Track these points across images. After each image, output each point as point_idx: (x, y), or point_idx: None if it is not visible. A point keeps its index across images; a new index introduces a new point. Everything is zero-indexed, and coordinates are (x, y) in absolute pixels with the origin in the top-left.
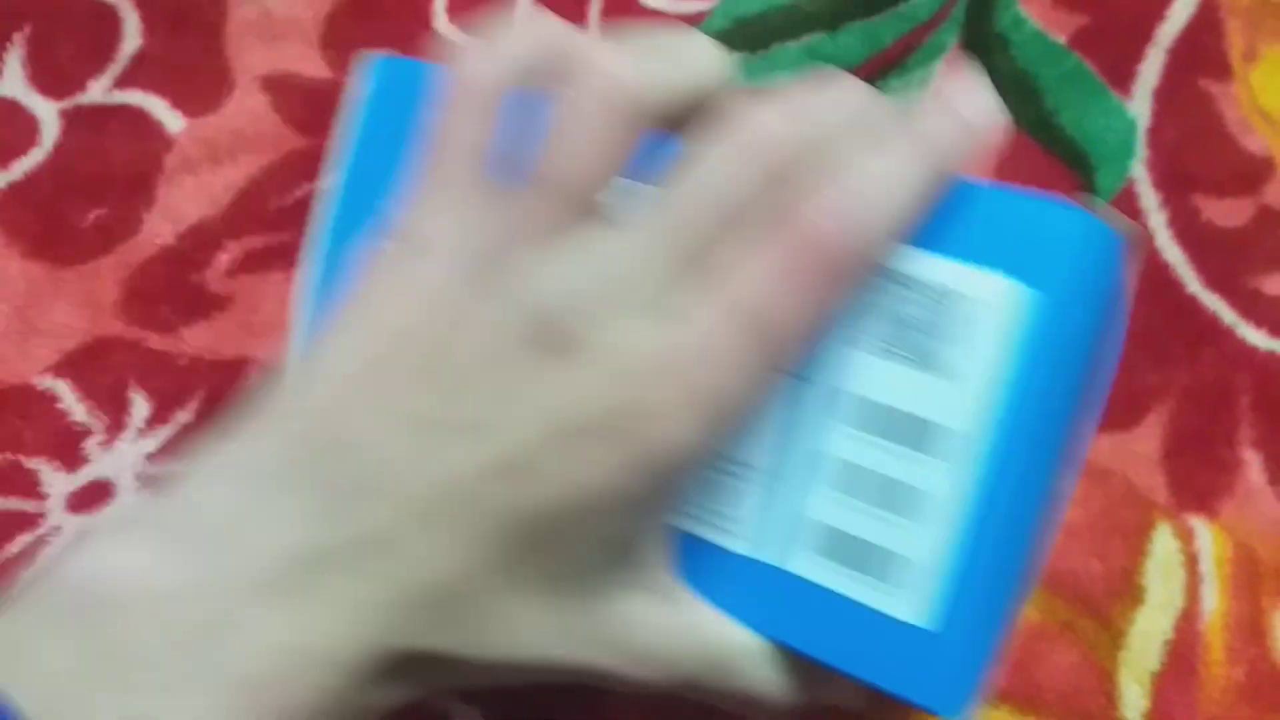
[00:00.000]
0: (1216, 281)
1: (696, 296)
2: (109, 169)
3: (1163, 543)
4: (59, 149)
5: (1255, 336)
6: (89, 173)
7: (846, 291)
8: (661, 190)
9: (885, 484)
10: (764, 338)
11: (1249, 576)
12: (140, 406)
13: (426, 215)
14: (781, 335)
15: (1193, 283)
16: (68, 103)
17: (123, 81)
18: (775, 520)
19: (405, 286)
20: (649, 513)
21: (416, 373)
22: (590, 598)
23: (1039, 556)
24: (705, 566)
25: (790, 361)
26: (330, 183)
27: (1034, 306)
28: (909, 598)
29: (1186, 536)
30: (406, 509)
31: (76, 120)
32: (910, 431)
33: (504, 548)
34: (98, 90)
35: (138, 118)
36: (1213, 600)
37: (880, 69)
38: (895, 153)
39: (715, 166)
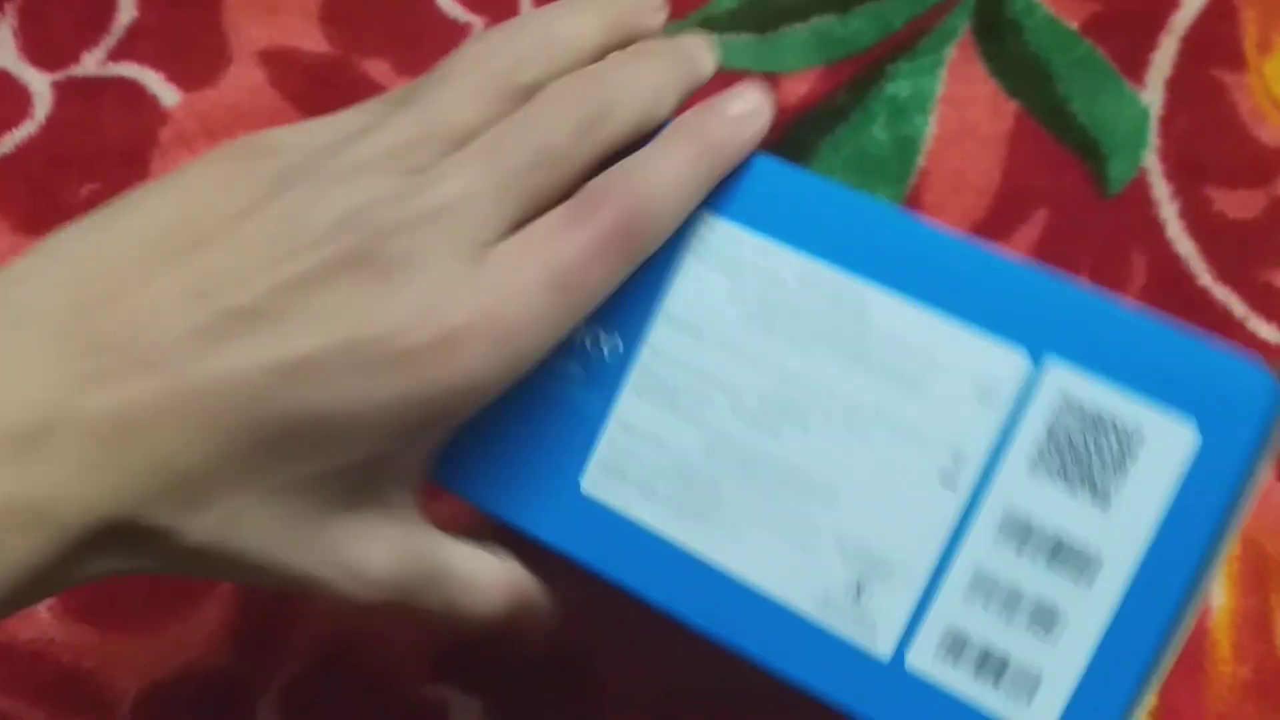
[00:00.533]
0: (1228, 274)
1: (516, 248)
2: (102, 143)
3: None
4: (51, 121)
5: (1266, 330)
6: (82, 146)
7: (632, 261)
8: (495, 138)
9: (1027, 600)
10: (566, 294)
11: (1257, 573)
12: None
13: (323, 126)
14: (580, 294)
15: (1204, 275)
16: (60, 75)
17: (117, 54)
18: (915, 625)
19: (241, 172)
20: (419, 439)
21: (221, 253)
22: (329, 510)
23: (1160, 675)
24: (844, 665)
25: (581, 315)
26: None
27: (1198, 448)
28: (1033, 711)
29: None
30: (172, 396)
31: (69, 92)
32: (1060, 553)
33: (261, 447)
34: (91, 62)
35: (132, 91)
36: (1220, 597)
37: (890, 52)
38: (679, 155)
39: (546, 124)
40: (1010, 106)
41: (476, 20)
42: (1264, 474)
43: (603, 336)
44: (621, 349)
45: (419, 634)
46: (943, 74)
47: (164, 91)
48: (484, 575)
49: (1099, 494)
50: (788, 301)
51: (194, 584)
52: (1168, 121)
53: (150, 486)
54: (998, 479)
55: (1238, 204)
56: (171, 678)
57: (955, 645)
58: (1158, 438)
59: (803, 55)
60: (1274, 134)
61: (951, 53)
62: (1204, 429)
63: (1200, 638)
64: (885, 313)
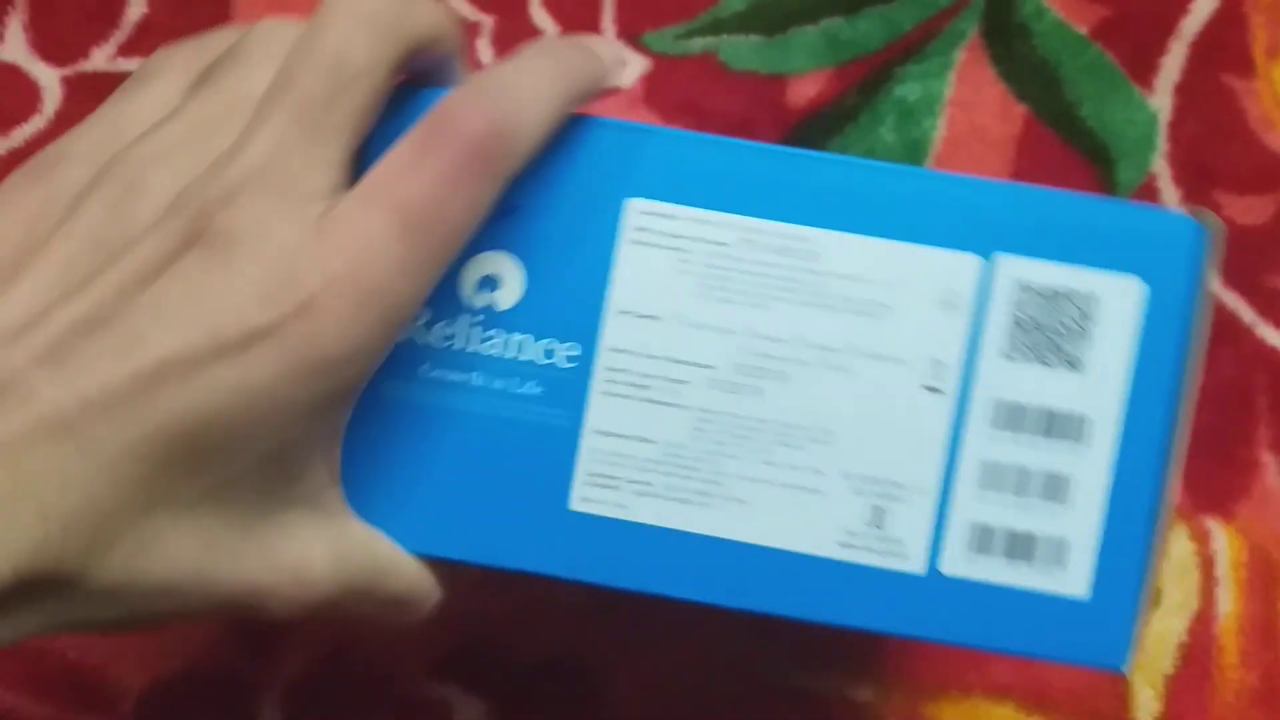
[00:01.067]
0: (1235, 280)
1: (359, 198)
2: None
3: (1179, 544)
4: (60, 117)
5: (1275, 337)
6: None
7: (495, 185)
8: (285, 73)
9: (1035, 477)
10: (425, 236)
11: (1265, 580)
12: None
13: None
14: (442, 232)
15: (1212, 282)
16: (70, 70)
17: (127, 49)
18: (940, 533)
19: (37, 193)
20: (316, 421)
21: (47, 274)
22: (252, 516)
23: (1168, 514)
24: (882, 593)
25: (451, 255)
26: None
27: (1147, 297)
28: (1068, 575)
29: (1202, 539)
30: (38, 428)
31: (79, 88)
32: (1053, 424)
33: (152, 464)
34: (101, 58)
35: None
36: (1228, 603)
37: (899, 55)
38: (534, 69)
39: (332, 37)
40: (1019, 110)
41: (487, 20)
42: (1209, 307)
43: (556, 347)
44: (579, 354)
45: (422, 632)
46: (951, 77)
47: None
48: (419, 574)
49: (1072, 362)
50: (736, 264)
51: None
52: (1176, 127)
53: (41, 532)
54: (979, 375)
55: (1246, 210)
56: (175, 675)
57: (982, 539)
58: (1110, 297)
59: (811, 57)
60: None
61: (960, 55)
62: (1148, 279)
63: (1207, 644)
64: (834, 252)
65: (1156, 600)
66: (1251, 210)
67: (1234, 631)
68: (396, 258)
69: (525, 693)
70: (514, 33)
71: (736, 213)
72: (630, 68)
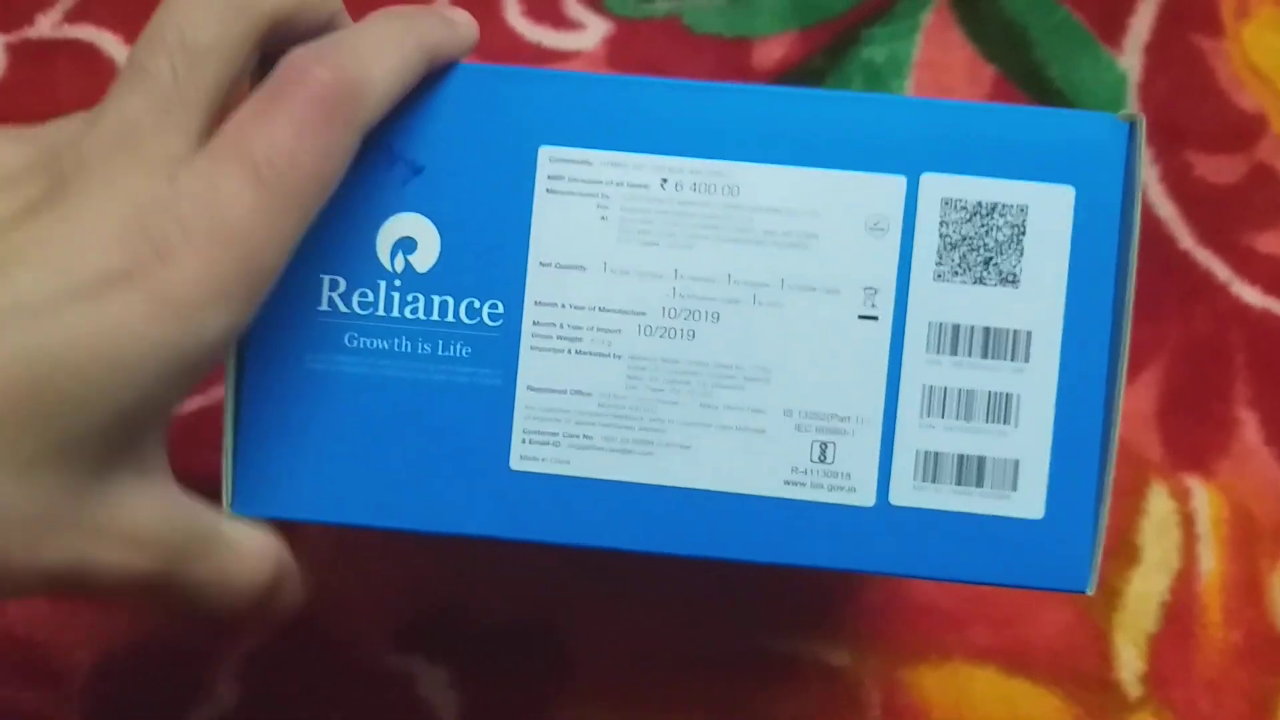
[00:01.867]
0: (1209, 238)
1: (209, 152)
2: (58, 106)
3: (1158, 502)
4: (5, 84)
5: (1250, 294)
6: (37, 109)
7: (346, 133)
8: (138, 55)
9: (980, 398)
10: (279, 184)
11: (1246, 537)
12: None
13: None
14: (296, 180)
15: (1185, 239)
16: (14, 36)
17: (73, 16)
18: (887, 463)
19: None
20: (175, 376)
21: None
22: (88, 479)
23: (1116, 424)
24: (833, 528)
25: (309, 203)
26: None
27: (1075, 201)
28: (1021, 497)
29: (1182, 496)
30: None
31: (24, 55)
32: (992, 341)
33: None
34: (46, 25)
35: (89, 53)
36: (1210, 561)
37: (866, 17)
38: (381, 27)
39: (181, 21)
40: (988, 71)
41: None
42: (1138, 208)
43: (479, 305)
44: (504, 311)
45: (382, 603)
46: (919, 39)
47: (121, 54)
48: (250, 540)
49: (1007, 277)
50: (656, 206)
51: None
52: (1146, 87)
53: None
54: (913, 297)
55: (1218, 169)
56: (127, 649)
57: (931, 465)
58: (1041, 207)
59: (776, 19)
60: (1253, 100)
61: (928, 18)
62: (1078, 184)
63: (1190, 602)
64: (755, 185)
65: (1138, 559)
66: (1223, 169)
67: (1217, 589)
68: (249, 205)
69: (490, 660)
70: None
71: (651, 153)
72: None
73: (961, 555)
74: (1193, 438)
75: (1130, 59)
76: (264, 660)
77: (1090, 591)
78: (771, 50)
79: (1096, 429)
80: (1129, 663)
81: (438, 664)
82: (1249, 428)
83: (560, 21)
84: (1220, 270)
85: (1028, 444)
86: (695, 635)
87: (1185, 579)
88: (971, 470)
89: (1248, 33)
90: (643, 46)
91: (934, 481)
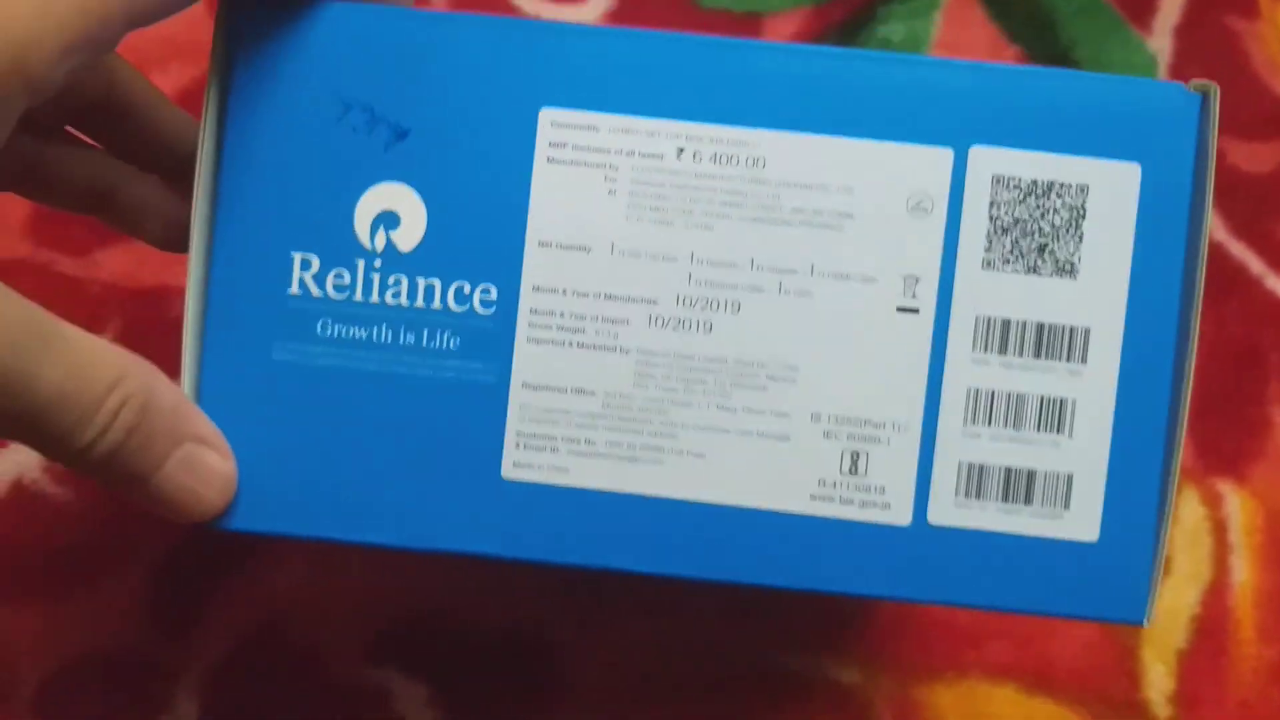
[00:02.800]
0: (1243, 229)
1: None
2: None
3: (1189, 509)
4: None
5: None
6: None
7: None
8: None
9: (1031, 404)
10: None
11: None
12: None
13: None
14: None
15: (1218, 230)
16: None
17: None
18: (926, 476)
19: None
20: None
21: None
22: None
23: (1181, 434)
24: (864, 550)
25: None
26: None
27: (1142, 182)
28: (1074, 516)
29: (1214, 502)
30: None
31: None
32: (1046, 339)
33: None
34: None
35: None
36: (1242, 572)
37: None
38: None
39: None
40: (1011, 52)
41: None
42: (1211, 190)
43: (469, 290)
44: (497, 298)
45: (353, 608)
46: (938, 17)
47: None
48: (101, 349)
49: (1062, 264)
50: (672, 179)
51: (98, 554)
52: (1176, 71)
53: None
54: (958, 288)
55: (1252, 157)
56: (79, 659)
57: (975, 480)
58: (1103, 187)
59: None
60: None
61: None
62: (1142, 159)
63: (1222, 616)
64: (783, 156)
65: (1168, 570)
66: (1257, 157)
67: (1250, 602)
68: None
69: (474, 675)
70: None
71: (666, 118)
72: None
73: (1005, 582)
74: (1225, 441)
75: (1160, 41)
76: (226, 673)
77: (1147, 624)
78: (783, 26)
79: (1159, 440)
80: (1157, 681)
81: (415, 678)
82: None
83: None
84: (1254, 263)
85: (1083, 457)
86: (697, 650)
87: (1217, 591)
88: (1020, 486)
89: None
90: (647, 20)
91: (978, 498)
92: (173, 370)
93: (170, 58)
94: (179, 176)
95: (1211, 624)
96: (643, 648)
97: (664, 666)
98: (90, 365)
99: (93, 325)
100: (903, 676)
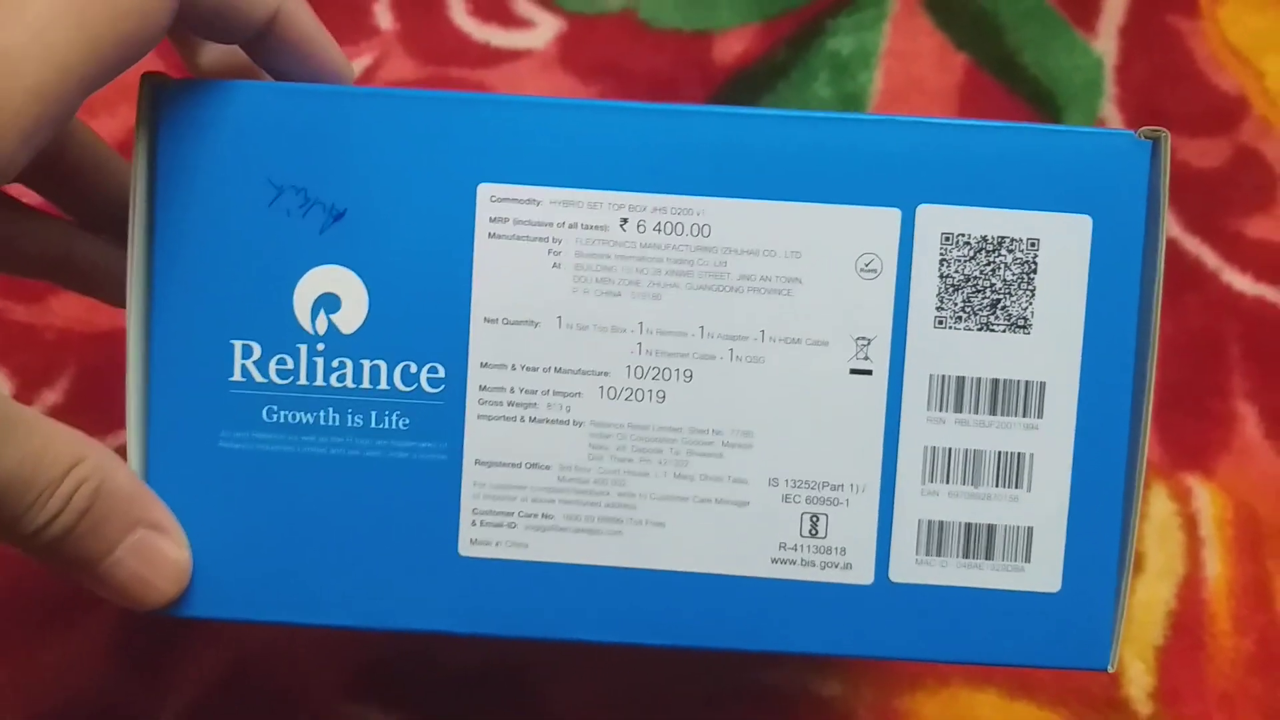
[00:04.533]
0: (1197, 224)
1: None
2: None
3: (1158, 504)
4: None
5: (1241, 282)
6: None
7: None
8: None
9: (988, 459)
10: None
11: (1251, 538)
12: (1, 385)
13: None
14: None
15: (1172, 226)
16: None
17: None
18: (886, 536)
19: None
20: None
21: None
22: None
23: (1140, 481)
24: (827, 611)
25: None
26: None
27: (1094, 235)
28: (1036, 568)
29: (1183, 497)
30: None
31: None
32: (1001, 395)
33: None
34: None
35: None
36: (1215, 565)
37: (830, 6)
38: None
39: None
40: (958, 59)
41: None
42: (1163, 238)
43: (416, 370)
44: (445, 376)
45: (333, 645)
46: (886, 28)
47: None
48: (59, 433)
49: (1015, 320)
50: (617, 250)
51: (67, 604)
52: (1123, 71)
53: None
54: (910, 347)
55: (1201, 152)
56: (54, 710)
57: (935, 537)
58: (1053, 239)
59: (737, 12)
60: (1233, 81)
61: (894, 6)
62: (1093, 210)
63: (1197, 610)
64: (728, 223)
65: (1140, 566)
66: (1207, 153)
67: (1224, 595)
68: None
69: (454, 708)
70: None
71: (608, 189)
72: None
73: (969, 635)
74: (1190, 436)
75: (1106, 43)
76: (201, 715)
77: (1112, 669)
78: (732, 44)
79: (1118, 489)
80: (1137, 678)
81: (395, 712)
82: (1248, 422)
83: (509, 20)
84: (1209, 258)
85: (1043, 509)
86: (677, 673)
87: (1191, 585)
88: (980, 541)
89: (1224, 12)
90: (598, 44)
91: (939, 555)
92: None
93: (118, 101)
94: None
95: (1187, 618)
96: (621, 673)
97: (643, 691)
98: (47, 450)
99: (48, 372)
100: (884, 687)
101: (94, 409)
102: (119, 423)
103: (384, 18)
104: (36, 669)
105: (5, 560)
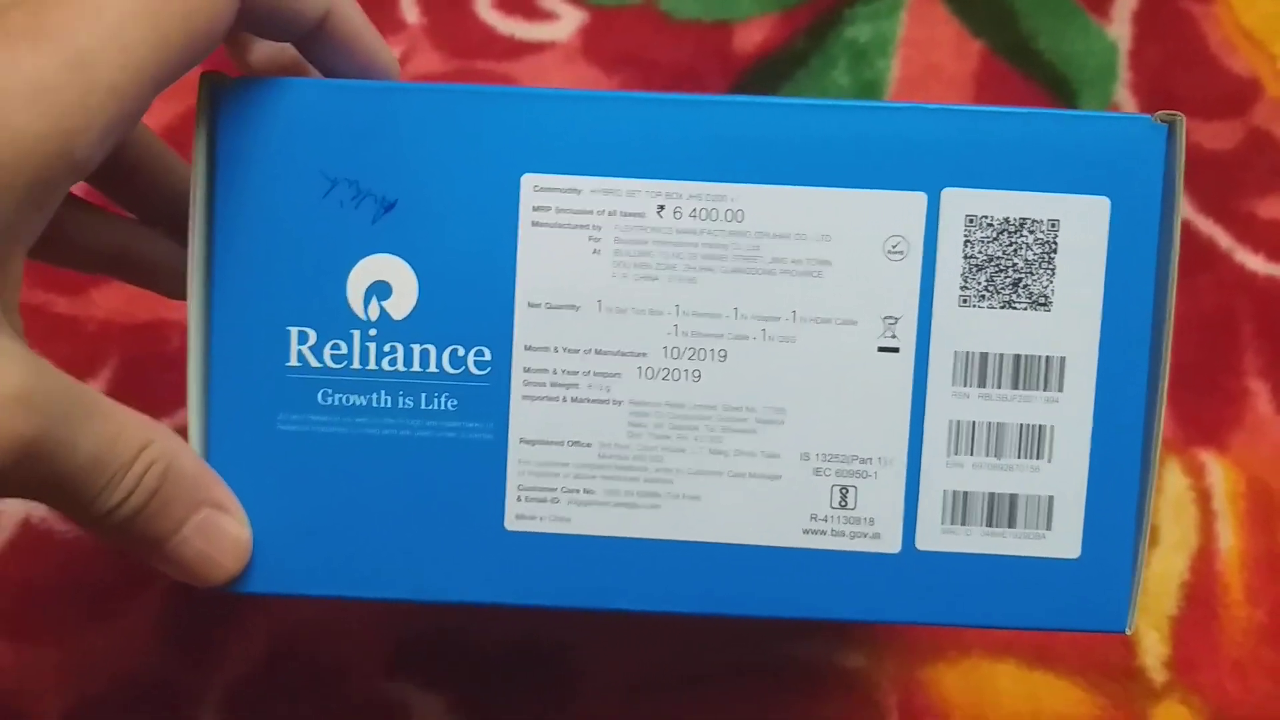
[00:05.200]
0: (1210, 206)
1: None
2: None
3: (1172, 479)
4: None
5: (1254, 262)
6: None
7: (34, 208)
8: None
9: (1011, 432)
10: None
11: (1264, 511)
12: None
13: None
14: None
15: (1186, 207)
16: None
17: None
18: (913, 506)
19: None
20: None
21: None
22: None
23: (1156, 451)
24: (857, 578)
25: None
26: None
27: (1112, 214)
28: (1056, 536)
29: (1197, 472)
30: None
31: None
32: (1023, 370)
33: None
34: None
35: None
36: (1229, 538)
37: None
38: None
39: None
40: (974, 46)
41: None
42: (1179, 218)
43: (464, 353)
44: (491, 359)
45: (372, 626)
46: (903, 16)
47: None
48: (130, 417)
49: (1036, 298)
50: (655, 236)
51: (114, 586)
52: (1137, 55)
53: None
54: (936, 325)
55: (1214, 135)
56: (101, 691)
57: (959, 507)
58: (1071, 219)
59: (756, 2)
60: (1245, 64)
61: None
62: (1110, 192)
63: (1211, 582)
64: (761, 208)
65: (1155, 539)
66: (1220, 135)
67: (1237, 567)
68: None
69: (492, 685)
70: None
71: (646, 177)
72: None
73: (993, 601)
74: (1204, 411)
75: (1119, 28)
76: (247, 692)
77: (1129, 632)
78: (752, 34)
79: (1135, 459)
80: (1152, 648)
81: (433, 691)
82: (1261, 399)
83: (532, 12)
84: (1222, 239)
85: (1062, 479)
86: (706, 648)
87: (1205, 557)
88: (1003, 510)
89: None
90: (619, 35)
91: (963, 523)
92: (173, 401)
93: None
94: (183, 228)
95: (1201, 590)
96: (652, 648)
97: (674, 665)
98: (120, 432)
99: (91, 363)
100: (906, 658)
101: (137, 398)
102: (163, 410)
103: (411, 12)
104: (87, 652)
105: (54, 547)
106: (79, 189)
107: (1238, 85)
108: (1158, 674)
